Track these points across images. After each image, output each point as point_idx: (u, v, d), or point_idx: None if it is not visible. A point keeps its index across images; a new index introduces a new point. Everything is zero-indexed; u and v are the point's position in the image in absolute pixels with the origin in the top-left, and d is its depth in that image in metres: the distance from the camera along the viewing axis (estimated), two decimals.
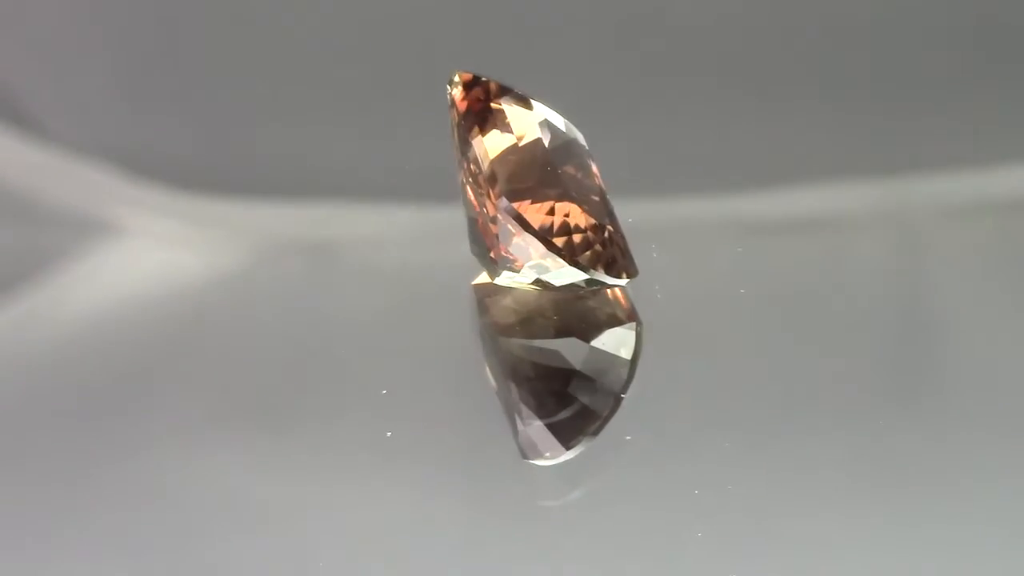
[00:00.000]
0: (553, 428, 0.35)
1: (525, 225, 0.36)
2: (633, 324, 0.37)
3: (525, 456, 0.35)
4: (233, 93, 0.46)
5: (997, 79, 0.45)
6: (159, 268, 0.41)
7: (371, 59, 0.47)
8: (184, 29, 0.48)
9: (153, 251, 0.42)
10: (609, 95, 0.44)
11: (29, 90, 0.46)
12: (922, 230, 0.41)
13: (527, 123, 0.37)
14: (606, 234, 0.36)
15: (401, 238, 0.42)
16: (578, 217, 0.36)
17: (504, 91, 0.37)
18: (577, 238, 0.36)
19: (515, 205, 0.36)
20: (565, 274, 0.36)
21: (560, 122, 0.37)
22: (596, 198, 0.37)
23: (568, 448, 0.35)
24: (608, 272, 0.36)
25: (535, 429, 0.35)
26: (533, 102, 0.37)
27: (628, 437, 0.35)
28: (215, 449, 0.36)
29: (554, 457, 0.35)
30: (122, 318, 0.40)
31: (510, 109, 0.37)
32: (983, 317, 0.39)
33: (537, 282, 0.37)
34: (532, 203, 0.36)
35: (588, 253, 0.36)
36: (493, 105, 0.37)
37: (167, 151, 0.44)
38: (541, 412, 0.36)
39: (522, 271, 0.37)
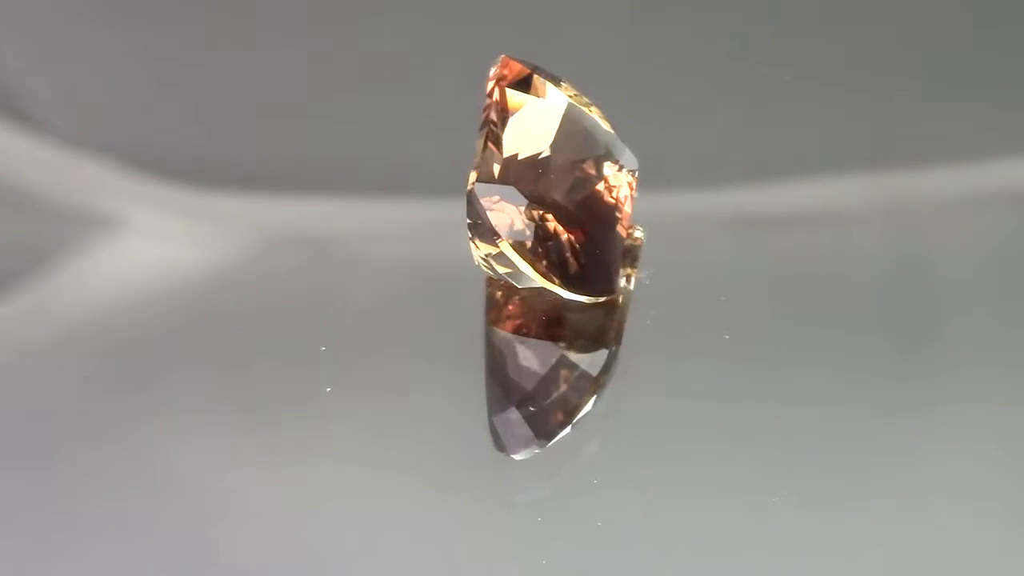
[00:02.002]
0: (513, 425, 0.36)
1: (485, 218, 0.36)
2: (610, 344, 0.37)
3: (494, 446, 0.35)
4: (234, 86, 0.46)
5: (997, 72, 0.45)
6: (159, 262, 0.41)
7: (372, 52, 0.47)
8: (184, 23, 0.48)
9: (154, 246, 0.42)
10: (606, 89, 0.44)
11: (29, 84, 0.46)
12: (922, 224, 0.41)
13: (545, 124, 0.36)
14: (573, 248, 0.36)
15: (404, 233, 0.42)
16: (551, 226, 0.36)
17: (536, 86, 0.36)
18: (537, 246, 0.36)
19: (486, 200, 0.36)
20: (520, 276, 0.36)
21: (597, 131, 0.36)
22: (591, 215, 0.36)
23: (523, 448, 0.35)
24: (567, 287, 0.36)
25: (499, 421, 0.36)
26: (574, 103, 0.36)
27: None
28: (216, 443, 0.36)
29: (511, 453, 0.35)
30: (122, 312, 0.40)
31: (536, 105, 0.36)
32: (984, 310, 0.39)
33: (503, 278, 0.37)
34: (505, 200, 0.36)
35: (546, 263, 0.36)
36: (521, 95, 0.36)
37: (167, 145, 0.44)
38: (505, 407, 0.36)
39: (487, 262, 0.36)
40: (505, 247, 0.36)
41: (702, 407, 0.36)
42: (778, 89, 0.45)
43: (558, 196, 0.36)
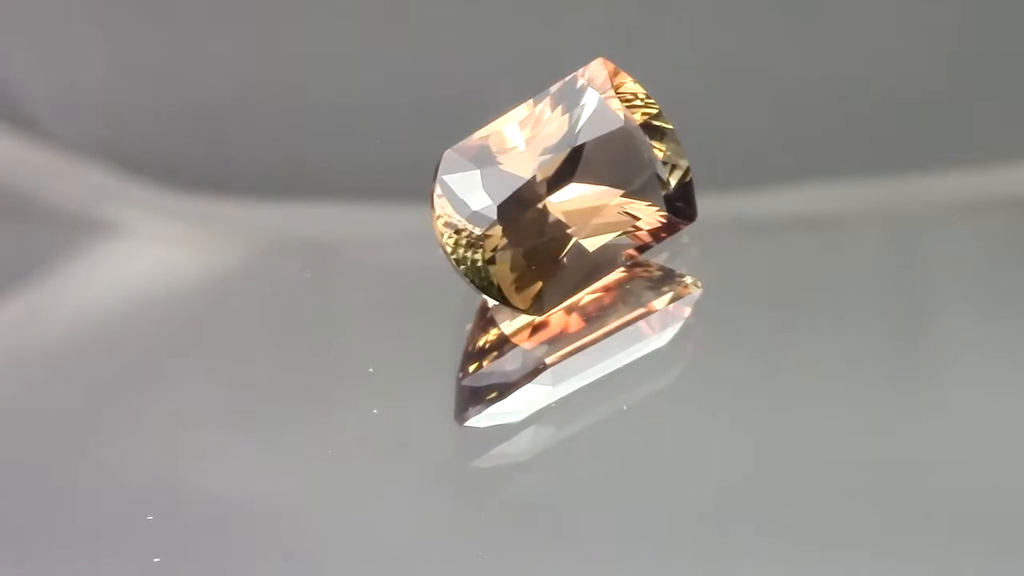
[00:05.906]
0: (460, 396, 0.36)
1: (432, 188, 0.35)
2: (538, 370, 0.36)
3: None
4: (232, 91, 0.46)
5: (995, 78, 0.45)
6: (157, 267, 0.41)
7: (372, 56, 0.47)
8: (183, 28, 0.48)
9: (151, 250, 0.42)
10: None
11: (27, 89, 0.46)
12: (920, 229, 0.41)
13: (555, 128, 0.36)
14: (502, 251, 0.35)
15: (400, 238, 0.42)
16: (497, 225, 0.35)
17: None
18: (465, 238, 0.35)
19: (445, 168, 0.35)
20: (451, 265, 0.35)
21: (642, 166, 0.35)
22: (553, 231, 0.35)
23: (464, 417, 0.35)
24: (478, 284, 0.35)
25: (457, 389, 0.36)
26: (636, 131, 0.35)
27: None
28: (212, 447, 0.36)
29: (460, 420, 0.35)
30: (120, 317, 0.40)
31: (549, 112, 0.35)
32: (981, 316, 0.39)
33: None
34: (465, 179, 0.35)
35: (476, 255, 0.35)
36: (595, 97, 0.35)
37: (165, 150, 0.44)
38: (463, 377, 0.36)
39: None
40: (437, 222, 0.35)
41: (688, 408, 0.36)
42: (774, 93, 0.45)
43: (549, 201, 0.35)
